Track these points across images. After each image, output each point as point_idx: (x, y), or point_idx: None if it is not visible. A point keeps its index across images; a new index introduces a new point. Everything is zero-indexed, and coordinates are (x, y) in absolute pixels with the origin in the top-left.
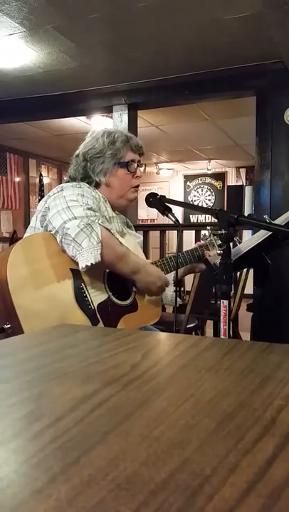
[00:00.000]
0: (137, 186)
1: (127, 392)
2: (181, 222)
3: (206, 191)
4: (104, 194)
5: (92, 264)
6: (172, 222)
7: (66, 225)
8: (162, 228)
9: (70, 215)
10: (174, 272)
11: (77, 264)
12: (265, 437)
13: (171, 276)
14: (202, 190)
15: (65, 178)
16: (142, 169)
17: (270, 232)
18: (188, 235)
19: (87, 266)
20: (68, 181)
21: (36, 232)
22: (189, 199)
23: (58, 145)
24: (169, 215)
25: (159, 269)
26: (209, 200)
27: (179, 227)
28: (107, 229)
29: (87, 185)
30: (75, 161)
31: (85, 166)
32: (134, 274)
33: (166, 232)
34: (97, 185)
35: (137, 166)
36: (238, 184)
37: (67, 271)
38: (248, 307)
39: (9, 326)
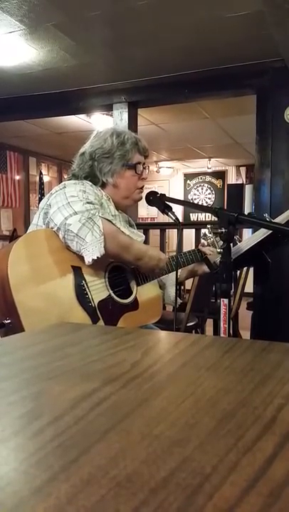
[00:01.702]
0: (142, 187)
1: (127, 391)
2: (181, 220)
3: (206, 190)
4: (110, 194)
5: (98, 257)
6: (172, 221)
7: (67, 221)
8: (162, 227)
9: (70, 210)
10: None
11: (81, 259)
12: (266, 436)
13: (172, 277)
14: (202, 189)
15: (65, 177)
16: (146, 171)
17: (270, 231)
18: (189, 234)
19: (93, 260)
20: (71, 179)
21: (38, 229)
22: (189, 197)
23: (58, 143)
24: (169, 213)
25: (158, 251)
26: (209, 198)
27: (179, 226)
28: (108, 220)
29: (90, 183)
30: (80, 159)
31: (92, 165)
32: (139, 260)
33: (167, 230)
34: (103, 185)
35: (143, 168)
36: (238, 183)
37: (68, 268)
38: (248, 306)
39: (9, 321)
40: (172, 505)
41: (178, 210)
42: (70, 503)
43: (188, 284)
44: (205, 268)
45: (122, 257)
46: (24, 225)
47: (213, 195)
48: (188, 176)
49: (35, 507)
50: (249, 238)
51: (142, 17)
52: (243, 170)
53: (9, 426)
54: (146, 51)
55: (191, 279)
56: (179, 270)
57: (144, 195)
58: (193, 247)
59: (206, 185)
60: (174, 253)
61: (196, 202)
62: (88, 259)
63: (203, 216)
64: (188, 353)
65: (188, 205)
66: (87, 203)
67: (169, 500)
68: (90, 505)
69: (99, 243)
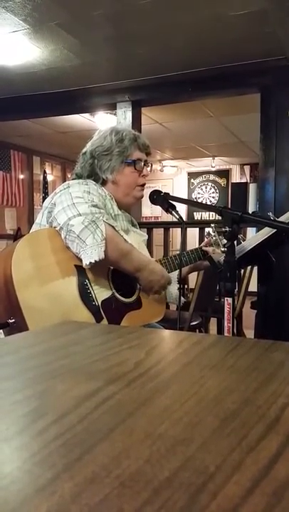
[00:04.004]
0: (143, 185)
1: (130, 390)
2: (185, 219)
3: (210, 188)
4: (111, 192)
5: (95, 261)
6: (176, 220)
7: (71, 222)
8: (166, 226)
9: (74, 211)
10: (178, 270)
11: (81, 260)
12: (269, 435)
13: (175, 275)
14: (206, 188)
15: (69, 176)
16: (148, 169)
17: (275, 230)
18: (192, 233)
19: (90, 263)
20: (75, 179)
21: (42, 228)
22: (193, 196)
23: (61, 142)
24: (173, 212)
25: (162, 268)
26: (213, 197)
27: (183, 225)
28: (112, 226)
29: (94, 183)
30: (82, 159)
31: (92, 164)
32: (138, 271)
33: (170, 229)
34: (103, 183)
35: (144, 165)
36: (242, 181)
37: (71, 267)
38: (252, 305)
39: (13, 320)
40: (176, 505)
41: (182, 209)
42: (74, 501)
43: (192, 283)
44: (207, 262)
45: (122, 265)
46: (28, 224)
47: (217, 194)
48: (192, 175)
49: (38, 506)
50: (253, 237)
51: (146, 16)
52: (247, 168)
53: (13, 425)
54: (150, 50)
55: (195, 278)
56: None
57: (147, 194)
58: (197, 246)
59: (210, 183)
60: (178, 252)
61: (200, 201)
62: (86, 261)
63: (207, 215)
64: (191, 352)
65: (192, 204)
66: (93, 205)
67: (172, 500)
68: (93, 504)
69: (99, 247)
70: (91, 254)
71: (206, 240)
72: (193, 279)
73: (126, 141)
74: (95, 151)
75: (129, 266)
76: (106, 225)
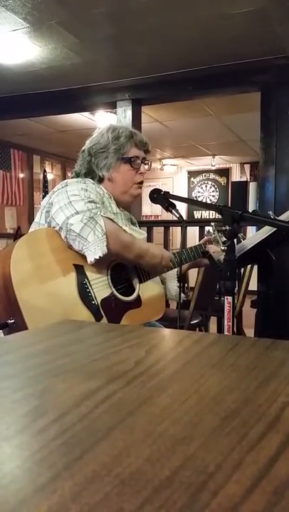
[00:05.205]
0: (141, 183)
1: (130, 389)
2: (185, 218)
3: (210, 187)
4: (108, 189)
5: (100, 257)
6: (176, 219)
7: (69, 221)
8: (166, 224)
9: (72, 210)
10: (178, 268)
11: (83, 258)
12: (270, 434)
13: (174, 272)
14: (206, 186)
15: (69, 175)
16: (146, 166)
17: (275, 229)
18: (192, 232)
19: (95, 259)
20: (74, 177)
21: (40, 228)
22: (193, 195)
23: (61, 141)
24: (173, 211)
25: (162, 249)
26: (213, 196)
27: (183, 224)
28: (110, 218)
29: (92, 181)
30: (81, 157)
31: (90, 161)
32: (140, 258)
33: (170, 228)
34: (100, 181)
35: (141, 162)
36: (242, 180)
37: (70, 266)
38: (252, 303)
39: (13, 321)
40: (176, 504)
41: (182, 207)
42: (74, 500)
43: (192, 281)
44: (206, 260)
45: (124, 256)
46: (28, 223)
47: (217, 193)
48: (192, 174)
49: (38, 505)
50: (253, 236)
51: (146, 14)
52: (247, 167)
53: (13, 423)
54: (150, 48)
55: (195, 277)
56: None
57: (147, 192)
58: (197, 243)
59: (210, 182)
60: (178, 250)
61: (200, 199)
62: (90, 258)
63: (207, 214)
64: (192, 351)
65: (192, 203)
66: (89, 202)
67: (172, 498)
68: (93, 502)
69: (101, 242)
70: (95, 250)
71: (205, 237)
72: (193, 277)
73: (122, 139)
74: (92, 148)
75: (132, 256)
76: (104, 218)
